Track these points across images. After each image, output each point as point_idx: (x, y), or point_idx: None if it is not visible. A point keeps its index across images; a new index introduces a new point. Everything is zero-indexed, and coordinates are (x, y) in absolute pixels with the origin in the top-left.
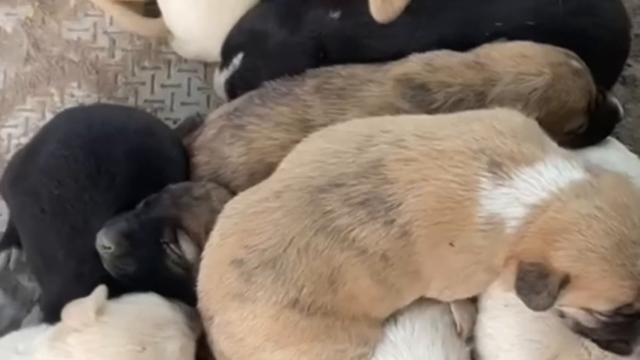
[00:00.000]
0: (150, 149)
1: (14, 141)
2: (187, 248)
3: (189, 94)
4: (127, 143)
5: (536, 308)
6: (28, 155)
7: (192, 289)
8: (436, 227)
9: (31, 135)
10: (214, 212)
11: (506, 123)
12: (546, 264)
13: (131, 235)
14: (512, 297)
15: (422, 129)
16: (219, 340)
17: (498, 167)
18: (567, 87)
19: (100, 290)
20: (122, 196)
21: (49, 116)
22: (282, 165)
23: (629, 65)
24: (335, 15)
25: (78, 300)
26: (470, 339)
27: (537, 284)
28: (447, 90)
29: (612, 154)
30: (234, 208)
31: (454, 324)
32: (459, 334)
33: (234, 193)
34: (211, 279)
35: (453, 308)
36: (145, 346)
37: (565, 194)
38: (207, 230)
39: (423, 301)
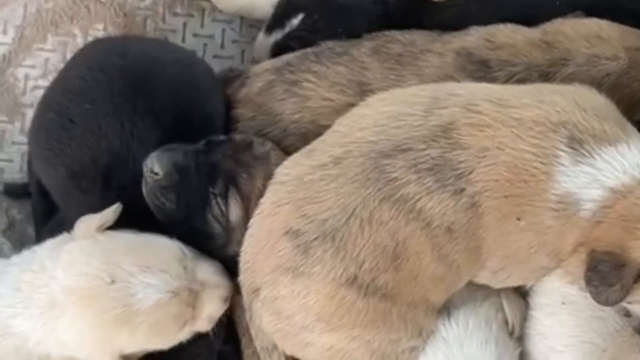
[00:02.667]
0: (189, 80)
1: (31, 83)
2: (234, 208)
3: (222, 46)
4: (166, 71)
5: (606, 302)
6: (53, 85)
7: (223, 253)
8: (506, 200)
9: (50, 78)
10: (268, 177)
11: (588, 100)
12: (623, 254)
13: (183, 171)
14: (571, 294)
15: (495, 96)
16: (263, 316)
17: (579, 143)
18: None
19: (114, 208)
20: (163, 124)
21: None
22: (337, 127)
23: None
24: None
25: (93, 215)
26: (520, 338)
27: (610, 275)
28: (509, 70)
29: None
30: (287, 174)
31: (506, 322)
32: (511, 334)
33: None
34: (260, 250)
35: (505, 303)
36: (115, 280)
37: None
38: (259, 195)
39: (478, 297)
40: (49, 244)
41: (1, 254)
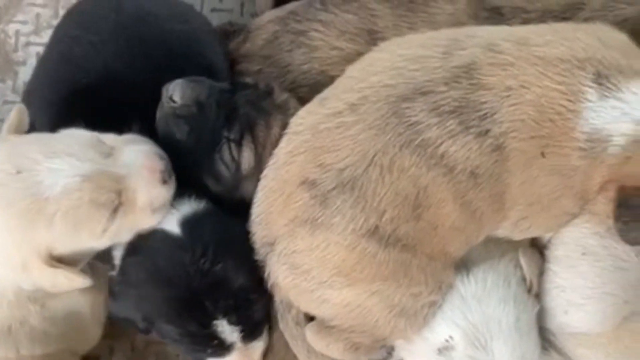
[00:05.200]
0: (186, 34)
1: (22, 39)
2: (247, 156)
3: None
4: (161, 26)
5: (635, 240)
6: (48, 47)
7: (229, 196)
8: (533, 141)
9: (42, 34)
10: (285, 127)
11: (612, 36)
12: None
13: (203, 106)
14: (592, 244)
15: (517, 35)
16: (279, 271)
17: (606, 78)
18: None
19: (18, 109)
20: (162, 80)
21: (63, 13)
22: (350, 73)
23: None
24: None
25: None
26: (538, 295)
27: None
28: (522, 17)
29: None
30: (301, 124)
31: (524, 279)
32: (529, 290)
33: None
34: (275, 201)
35: (522, 260)
36: (20, 170)
37: None
38: (274, 145)
39: (495, 254)
40: None
41: None
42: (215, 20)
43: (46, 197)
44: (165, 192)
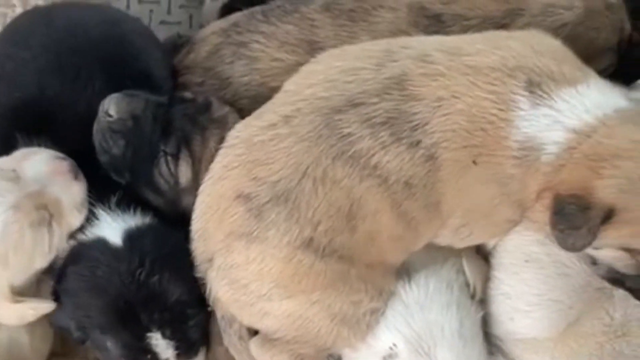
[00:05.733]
0: (117, 39)
1: None
2: (184, 171)
3: (169, 11)
4: (90, 33)
5: (572, 247)
6: None
7: (171, 209)
8: (465, 150)
9: None
10: (223, 141)
11: (544, 43)
12: (588, 196)
13: (139, 120)
14: (534, 251)
15: (448, 45)
16: (218, 286)
17: (537, 86)
18: (598, 23)
19: None
20: (96, 87)
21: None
22: (287, 86)
23: None
24: None
25: None
26: (482, 301)
27: (576, 218)
28: (463, 23)
29: None
30: (237, 137)
31: (467, 285)
32: (472, 296)
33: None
34: (212, 216)
35: (465, 265)
36: None
37: (612, 119)
38: (210, 159)
39: (438, 259)
40: None
41: None
42: (164, 33)
43: None
44: (81, 187)
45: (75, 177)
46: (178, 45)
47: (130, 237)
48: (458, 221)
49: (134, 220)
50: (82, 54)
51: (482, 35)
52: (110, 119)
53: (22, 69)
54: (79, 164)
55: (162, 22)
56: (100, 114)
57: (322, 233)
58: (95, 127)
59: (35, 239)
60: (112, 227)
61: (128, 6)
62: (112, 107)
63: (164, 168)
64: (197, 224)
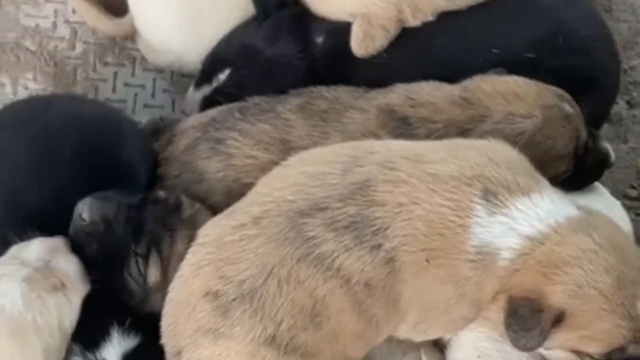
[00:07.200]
0: (106, 133)
1: None
2: (153, 272)
3: (153, 95)
4: (74, 134)
5: (524, 347)
6: None
7: (141, 309)
8: (423, 254)
9: None
10: (192, 240)
11: (501, 154)
12: (540, 300)
13: (111, 224)
14: (486, 347)
15: (412, 152)
16: None
17: (493, 195)
18: (555, 132)
19: None
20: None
21: None
22: (259, 187)
23: (615, 103)
24: (320, 39)
25: None
26: None
27: (529, 320)
28: (429, 127)
29: (596, 200)
30: (207, 235)
31: None
32: None
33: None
34: (181, 313)
35: (423, 358)
36: None
37: (563, 228)
38: (179, 259)
39: (397, 352)
40: None
41: None
42: (148, 115)
43: (16, 313)
44: (77, 258)
45: (70, 251)
46: (161, 127)
47: None
48: (416, 317)
49: (130, 341)
50: (63, 149)
51: (444, 143)
52: (83, 222)
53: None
54: None
55: (146, 105)
56: (75, 216)
57: (285, 331)
58: (71, 228)
59: (56, 301)
60: (114, 349)
61: (114, 89)
62: (85, 211)
63: (134, 269)
64: (167, 320)
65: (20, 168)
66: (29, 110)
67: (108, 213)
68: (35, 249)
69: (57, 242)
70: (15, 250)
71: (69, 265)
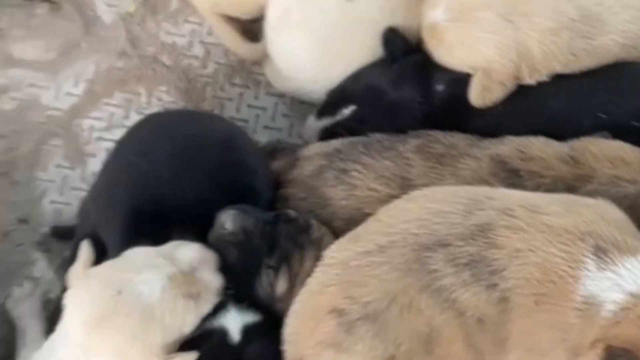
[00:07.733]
0: (232, 161)
1: (95, 134)
2: (282, 284)
3: (273, 118)
4: (208, 154)
5: None
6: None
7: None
8: (534, 297)
9: (114, 131)
10: (317, 259)
11: (611, 214)
12: (637, 352)
13: (250, 236)
14: None
15: (528, 202)
16: None
17: (603, 252)
18: None
19: (84, 246)
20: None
21: (134, 115)
22: (382, 217)
23: None
24: (440, 87)
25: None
26: None
27: None
28: (538, 180)
29: None
30: (334, 257)
31: None
32: None
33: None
34: (305, 324)
35: None
36: (121, 290)
37: None
38: (306, 275)
39: None
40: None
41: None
42: (267, 136)
43: (150, 303)
44: (221, 277)
45: (218, 268)
46: (278, 148)
47: (247, 334)
48: (517, 357)
49: (251, 316)
50: (200, 169)
51: (557, 197)
52: (225, 231)
53: (144, 179)
54: None
55: (266, 127)
56: (218, 224)
57: (402, 353)
58: (212, 235)
59: (186, 307)
60: (234, 318)
61: (238, 109)
62: (228, 221)
63: (264, 279)
64: (290, 329)
65: (162, 171)
66: (174, 122)
67: (248, 225)
68: (189, 254)
69: (210, 255)
70: (171, 246)
71: (212, 280)
